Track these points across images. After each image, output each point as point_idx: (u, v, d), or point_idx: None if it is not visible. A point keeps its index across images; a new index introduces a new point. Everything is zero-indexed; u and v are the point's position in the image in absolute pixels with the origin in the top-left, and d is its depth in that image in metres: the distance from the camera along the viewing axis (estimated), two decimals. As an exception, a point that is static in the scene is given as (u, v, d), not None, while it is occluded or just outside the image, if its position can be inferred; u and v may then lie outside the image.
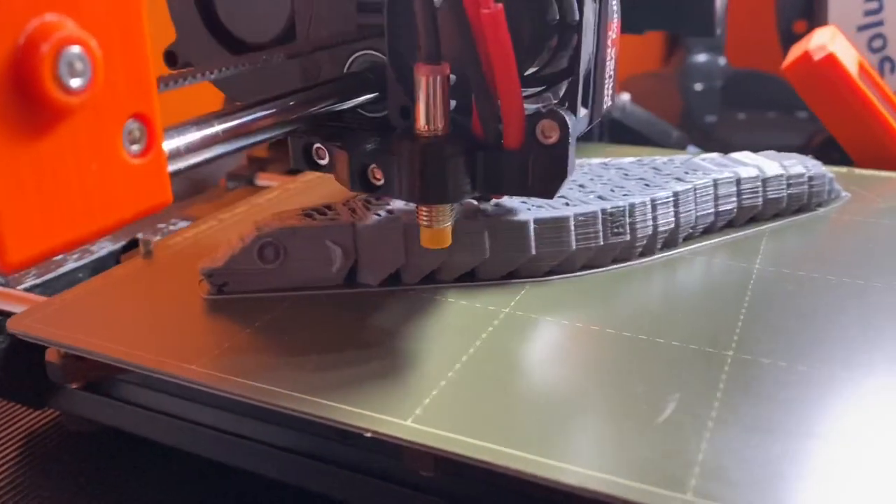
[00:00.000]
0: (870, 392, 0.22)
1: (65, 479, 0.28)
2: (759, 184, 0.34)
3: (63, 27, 0.14)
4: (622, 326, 0.26)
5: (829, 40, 0.44)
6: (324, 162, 0.26)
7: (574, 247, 0.29)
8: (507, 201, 0.29)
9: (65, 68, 0.14)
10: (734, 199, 0.33)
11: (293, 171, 0.43)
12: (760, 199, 0.34)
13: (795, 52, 0.45)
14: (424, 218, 0.24)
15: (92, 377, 0.28)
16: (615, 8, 0.27)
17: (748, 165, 0.35)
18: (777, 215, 0.35)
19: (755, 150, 0.37)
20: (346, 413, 0.21)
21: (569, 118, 0.23)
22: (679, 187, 0.32)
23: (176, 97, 0.19)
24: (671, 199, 0.31)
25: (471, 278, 0.29)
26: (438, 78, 0.22)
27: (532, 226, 0.28)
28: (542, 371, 0.24)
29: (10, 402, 0.31)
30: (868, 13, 0.56)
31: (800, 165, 0.35)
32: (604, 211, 0.29)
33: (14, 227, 0.14)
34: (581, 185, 0.32)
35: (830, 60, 0.43)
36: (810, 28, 0.52)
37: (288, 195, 0.39)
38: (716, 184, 0.33)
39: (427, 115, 0.22)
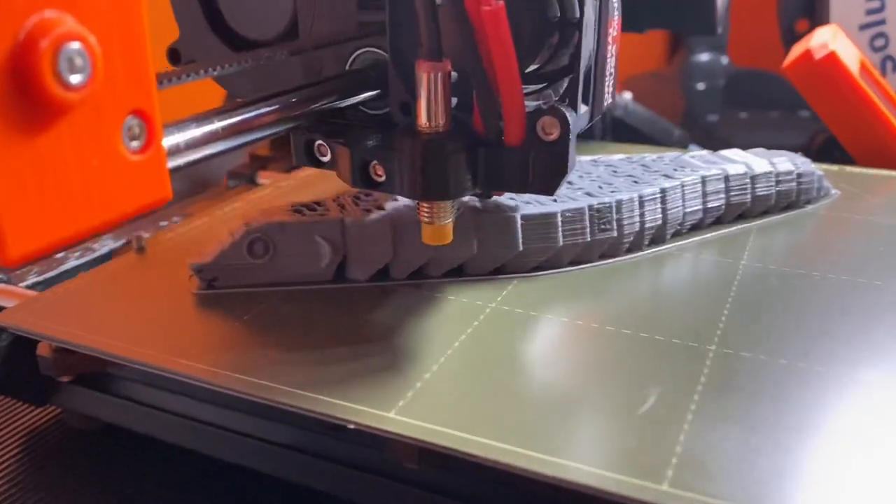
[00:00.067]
0: (848, 386, 0.22)
1: (66, 476, 0.28)
2: (748, 181, 0.34)
3: (63, 23, 0.14)
4: (607, 321, 0.26)
5: (831, 39, 0.44)
6: (326, 158, 0.26)
7: (561, 243, 0.29)
8: (494, 197, 0.29)
9: (64, 64, 0.14)
10: (722, 195, 0.34)
11: (295, 170, 0.43)
12: (749, 196, 0.34)
13: (797, 51, 0.45)
14: (426, 214, 0.24)
15: (82, 370, 0.28)
16: (616, 5, 0.27)
17: (737, 162, 0.35)
18: (766, 212, 0.35)
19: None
20: (330, 405, 0.21)
21: (569, 115, 0.23)
22: (667, 184, 0.32)
23: (177, 96, 0.19)
24: (658, 195, 0.31)
25: (459, 274, 0.29)
26: (439, 74, 0.22)
27: (519, 222, 0.29)
28: (525, 365, 0.24)
29: (11, 399, 0.31)
30: (870, 12, 0.56)
31: (788, 162, 0.35)
32: (591, 207, 0.30)
33: (14, 222, 0.14)
34: (569, 182, 0.32)
35: (831, 59, 0.43)
36: (812, 27, 0.52)
37: (281, 192, 0.39)
38: (704, 181, 0.33)
39: (428, 112, 0.22)
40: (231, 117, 0.19)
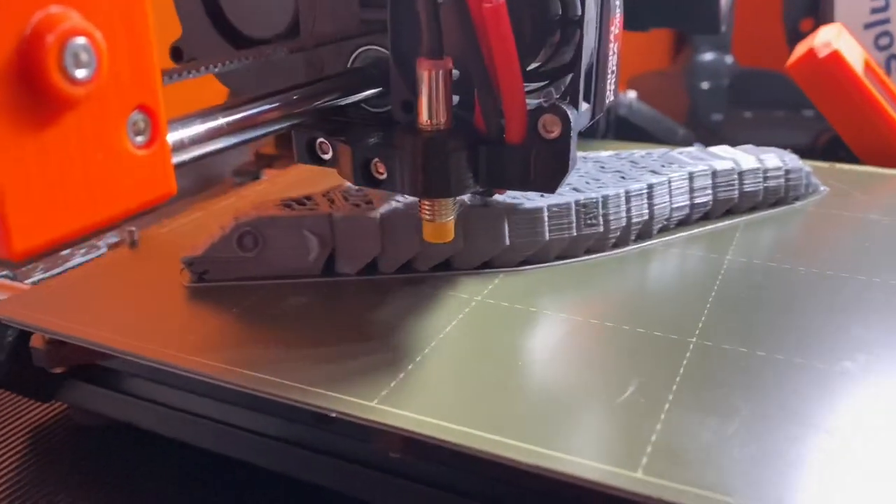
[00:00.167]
0: (825, 377, 0.23)
1: (71, 472, 0.28)
2: (735, 177, 0.34)
3: (68, 19, 0.14)
4: (590, 314, 0.27)
5: (835, 38, 0.44)
6: (327, 156, 0.26)
7: (547, 237, 0.30)
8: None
9: (70, 59, 0.14)
10: (709, 191, 0.34)
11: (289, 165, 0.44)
12: (736, 192, 0.35)
13: (800, 49, 0.45)
14: (427, 212, 0.25)
15: (74, 362, 0.28)
16: (618, 3, 0.27)
17: (724, 159, 0.35)
18: (753, 208, 0.36)
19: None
20: (314, 395, 0.22)
21: (570, 113, 0.23)
22: (654, 179, 0.32)
23: (177, 95, 0.19)
24: (645, 191, 0.32)
25: (446, 268, 0.30)
26: (441, 72, 0.22)
27: (506, 216, 0.29)
28: (508, 356, 0.24)
29: (17, 395, 0.31)
30: (875, 11, 0.57)
31: (776, 159, 0.36)
32: (577, 202, 0.30)
33: (20, 216, 0.14)
34: None
35: (835, 58, 0.43)
36: (817, 26, 0.52)
37: (276, 188, 0.39)
38: (691, 176, 0.33)
39: (429, 110, 0.23)
40: (235, 114, 0.20)
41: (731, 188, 0.34)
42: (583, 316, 0.27)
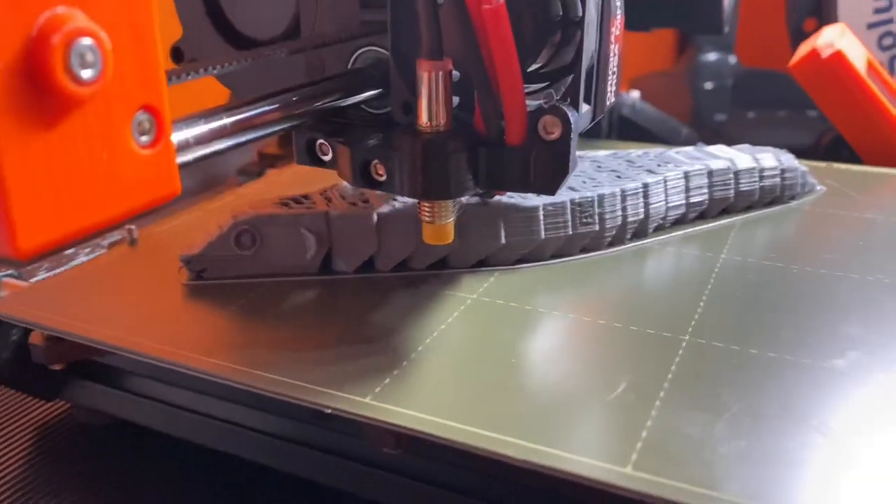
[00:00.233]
0: (816, 374, 0.23)
1: (74, 470, 0.29)
2: (731, 176, 0.35)
3: (74, 19, 0.14)
4: (584, 312, 0.27)
5: (837, 38, 0.45)
6: (327, 158, 0.26)
7: (543, 236, 0.30)
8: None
9: (76, 59, 0.14)
10: (705, 190, 0.35)
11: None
12: (732, 191, 0.35)
13: (803, 50, 0.46)
14: (427, 214, 0.25)
15: (72, 359, 0.29)
16: (619, 4, 0.27)
17: (720, 158, 0.36)
18: (749, 207, 0.36)
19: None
20: (309, 391, 0.22)
21: (571, 114, 0.24)
22: (649, 179, 0.33)
23: (177, 95, 0.20)
24: (641, 190, 0.33)
25: (442, 266, 0.30)
26: (440, 74, 0.22)
27: (503, 215, 0.30)
28: (502, 354, 0.25)
29: (21, 393, 0.32)
30: (878, 11, 0.57)
31: (772, 158, 0.37)
32: (573, 201, 0.31)
33: (26, 215, 0.14)
34: None
35: (838, 58, 0.43)
36: (820, 26, 0.53)
37: (274, 186, 0.40)
38: (687, 176, 0.34)
39: (429, 111, 0.23)
40: (238, 114, 0.20)
41: (727, 187, 0.35)
42: (577, 314, 0.27)
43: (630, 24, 0.29)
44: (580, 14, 0.24)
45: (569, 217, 0.31)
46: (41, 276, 0.30)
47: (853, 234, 0.34)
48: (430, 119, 0.23)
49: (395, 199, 0.30)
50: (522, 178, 0.24)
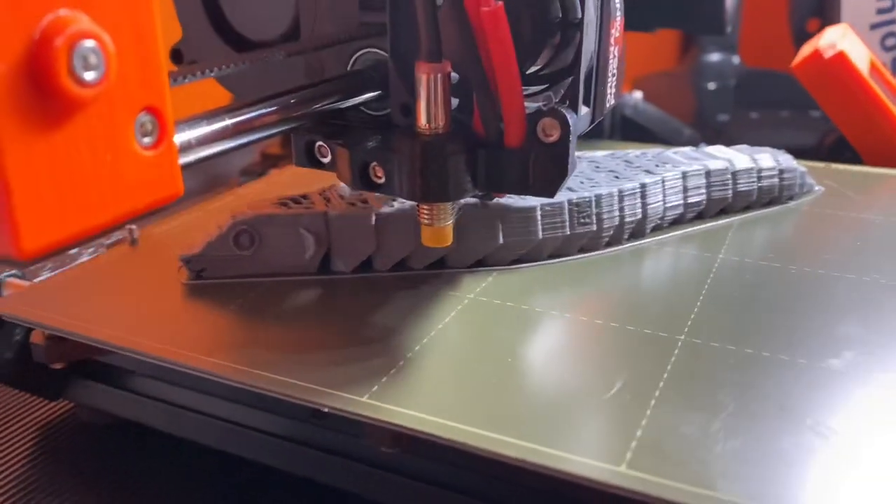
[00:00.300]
0: (812, 374, 0.24)
1: (77, 469, 0.29)
2: (729, 176, 0.35)
3: (77, 22, 0.15)
4: (581, 312, 0.28)
5: (840, 38, 0.45)
6: (326, 160, 0.26)
7: (541, 236, 0.31)
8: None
9: (79, 62, 0.15)
10: (703, 191, 0.35)
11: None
12: (730, 192, 0.36)
13: (805, 50, 0.46)
14: (426, 216, 0.25)
15: (74, 358, 0.29)
16: (618, 6, 0.28)
17: (718, 158, 0.36)
18: (748, 207, 0.37)
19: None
20: (307, 390, 0.23)
21: (570, 117, 0.24)
22: (647, 179, 0.33)
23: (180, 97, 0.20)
24: (638, 190, 0.33)
25: (440, 266, 0.31)
26: (439, 76, 0.23)
27: (500, 215, 0.30)
28: (498, 353, 0.25)
29: (25, 392, 0.32)
30: (881, 11, 0.57)
31: (770, 159, 0.37)
32: (570, 202, 0.31)
33: (29, 216, 0.15)
34: None
35: (840, 59, 0.44)
36: (823, 26, 0.53)
37: (273, 186, 0.40)
38: (685, 176, 0.35)
39: (428, 113, 0.23)
40: (240, 115, 0.21)
41: (724, 188, 0.35)
42: (574, 314, 0.28)
43: (633, 24, 0.29)
44: (579, 16, 0.24)
45: (566, 217, 0.31)
46: (45, 275, 0.30)
47: (851, 235, 0.34)
48: (428, 121, 0.23)
49: (394, 200, 0.30)
50: (521, 180, 0.25)
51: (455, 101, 0.24)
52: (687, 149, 0.38)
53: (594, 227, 0.32)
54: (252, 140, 0.21)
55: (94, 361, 0.30)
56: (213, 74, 0.21)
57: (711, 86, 0.76)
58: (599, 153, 0.38)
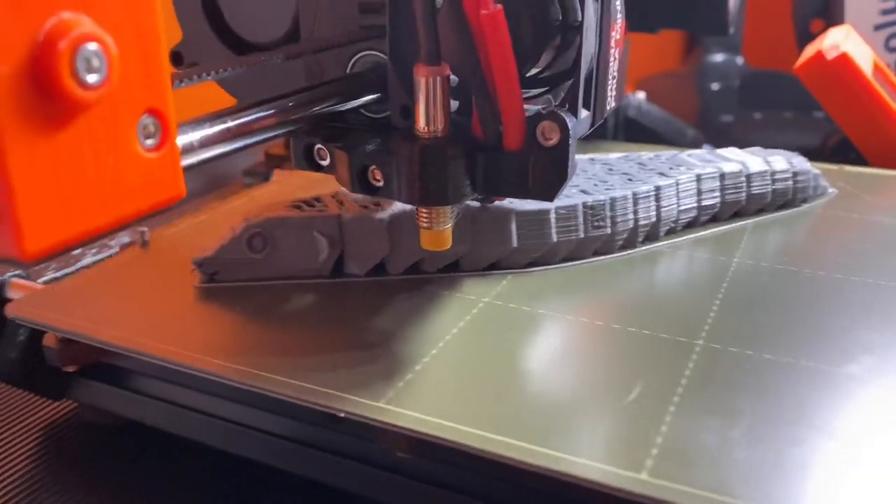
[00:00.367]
0: (832, 380, 0.24)
1: (81, 470, 0.30)
2: (743, 179, 0.36)
3: (80, 24, 0.15)
4: (597, 316, 0.28)
5: (843, 40, 0.45)
6: (325, 163, 0.27)
7: (555, 239, 0.31)
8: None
9: (82, 64, 0.15)
10: (717, 193, 0.35)
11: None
12: (744, 195, 0.36)
13: (808, 51, 0.46)
14: (424, 220, 0.25)
15: (86, 361, 0.30)
16: (619, 8, 0.28)
17: (732, 161, 0.36)
18: (762, 210, 0.37)
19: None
20: (323, 395, 0.23)
21: (569, 120, 0.24)
22: (661, 182, 0.34)
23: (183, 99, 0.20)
24: (653, 193, 0.33)
25: (454, 269, 0.31)
26: (438, 79, 0.23)
27: (514, 218, 0.30)
28: (515, 357, 0.25)
29: (29, 392, 0.33)
30: (885, 12, 0.58)
31: (784, 161, 0.37)
32: (585, 204, 0.31)
33: (32, 217, 0.15)
34: None
35: (843, 60, 0.44)
36: (827, 27, 0.54)
37: (285, 189, 0.41)
38: (699, 179, 0.35)
39: (427, 116, 0.23)
40: (243, 117, 0.21)
41: (738, 190, 0.36)
42: (589, 318, 0.28)
43: (636, 25, 0.30)
44: (579, 19, 0.25)
45: (581, 220, 0.31)
46: (49, 275, 0.31)
47: (866, 238, 0.34)
48: (427, 124, 0.23)
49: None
50: (521, 183, 0.25)
51: (454, 104, 0.25)
52: (700, 151, 0.39)
53: (608, 231, 0.32)
54: (253, 142, 0.21)
55: (105, 364, 0.30)
56: (213, 77, 0.21)
57: (715, 86, 0.76)
58: (612, 155, 0.38)
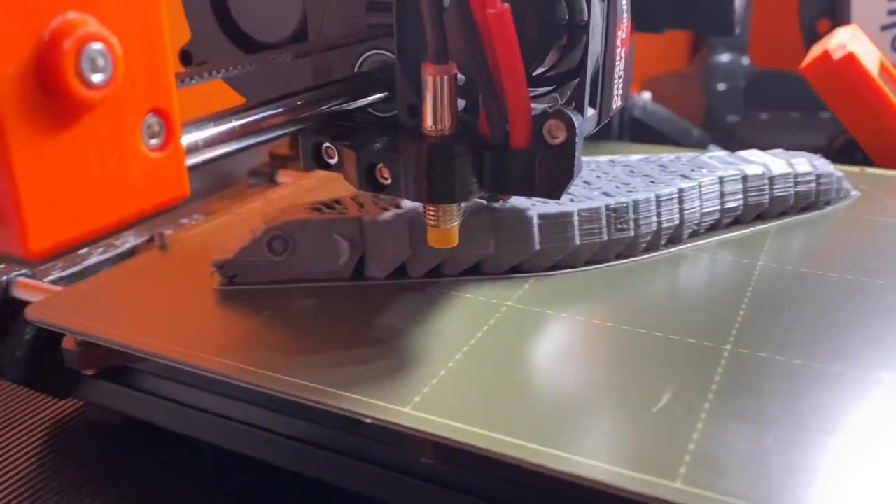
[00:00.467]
0: (864, 386, 0.23)
1: (86, 469, 0.30)
2: (766, 181, 0.35)
3: (85, 24, 0.15)
4: (622, 320, 0.27)
5: (849, 40, 0.45)
6: (333, 161, 0.27)
7: (578, 242, 0.30)
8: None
9: (87, 64, 0.15)
10: (740, 196, 0.35)
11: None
12: (767, 197, 0.35)
13: (815, 51, 0.46)
14: (431, 218, 0.25)
15: (106, 364, 0.29)
16: (625, 8, 0.28)
17: (755, 163, 0.36)
18: (784, 213, 0.36)
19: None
20: (347, 400, 0.23)
21: (576, 118, 0.24)
22: (684, 184, 0.33)
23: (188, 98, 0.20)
24: (676, 195, 0.33)
25: (475, 272, 0.30)
26: (445, 77, 0.23)
27: (536, 221, 0.30)
28: (540, 362, 0.25)
29: (35, 391, 0.33)
30: (892, 12, 0.57)
31: (807, 163, 0.37)
32: (608, 207, 0.31)
33: (37, 216, 0.15)
34: (586, 182, 0.33)
35: (850, 60, 0.44)
36: (833, 27, 0.53)
37: (302, 191, 0.40)
38: (721, 181, 0.34)
39: (434, 115, 0.23)
40: (247, 117, 0.21)
41: (761, 193, 0.35)
42: (615, 322, 0.27)
43: (642, 25, 0.29)
44: (585, 18, 0.25)
45: (604, 223, 0.31)
46: (55, 274, 0.31)
47: (890, 241, 0.34)
48: (435, 123, 0.23)
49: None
50: (527, 182, 0.25)
51: (461, 103, 0.24)
52: (722, 153, 0.38)
53: (632, 233, 0.31)
54: (259, 142, 0.21)
55: (124, 367, 0.30)
56: (220, 76, 0.21)
57: (721, 87, 0.76)
58: (634, 157, 0.37)
